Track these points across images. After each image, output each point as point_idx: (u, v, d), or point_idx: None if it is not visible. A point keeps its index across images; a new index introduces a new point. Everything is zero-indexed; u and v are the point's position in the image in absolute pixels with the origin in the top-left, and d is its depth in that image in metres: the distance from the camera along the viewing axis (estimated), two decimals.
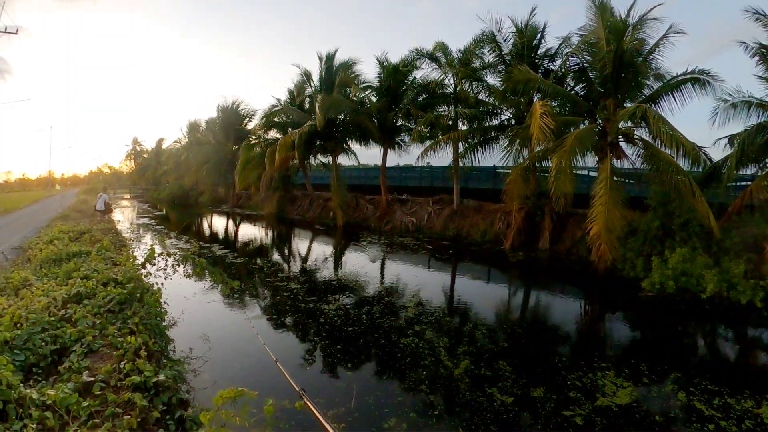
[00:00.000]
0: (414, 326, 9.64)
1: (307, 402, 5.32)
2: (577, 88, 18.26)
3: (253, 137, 35.27)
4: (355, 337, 9.10)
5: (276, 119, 32.06)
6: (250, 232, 28.51)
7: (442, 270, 17.02)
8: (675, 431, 5.94)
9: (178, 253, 9.47)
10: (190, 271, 11.03)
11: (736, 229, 13.08)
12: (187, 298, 11.27)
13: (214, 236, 25.50)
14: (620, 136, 15.54)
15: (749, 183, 14.05)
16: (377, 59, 26.54)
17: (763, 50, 13.47)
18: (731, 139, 13.85)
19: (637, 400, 6.68)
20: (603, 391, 6.87)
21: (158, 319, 7.30)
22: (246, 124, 41.75)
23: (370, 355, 8.41)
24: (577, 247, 17.15)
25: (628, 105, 15.08)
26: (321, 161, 33.29)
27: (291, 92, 32.31)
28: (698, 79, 14.79)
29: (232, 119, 41.51)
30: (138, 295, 7.39)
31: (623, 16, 15.51)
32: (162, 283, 8.96)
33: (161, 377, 4.73)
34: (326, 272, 15.89)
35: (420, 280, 14.45)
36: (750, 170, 14.33)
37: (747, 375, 8.14)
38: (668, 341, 9.71)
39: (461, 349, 8.44)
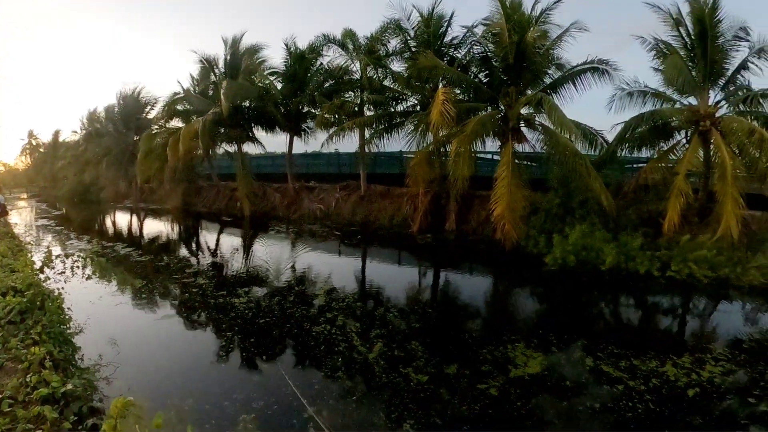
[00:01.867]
0: (326, 314, 9.41)
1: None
2: (481, 76, 18.54)
3: (155, 126, 32.80)
4: (267, 329, 8.78)
5: (179, 107, 29.93)
6: (155, 227, 26.45)
7: (352, 255, 16.72)
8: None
9: (76, 254, 8.63)
10: (90, 272, 10.34)
11: (632, 206, 14.03)
12: (92, 302, 10.30)
13: (117, 234, 23.38)
14: (522, 122, 16.00)
15: (644, 165, 15.16)
16: (285, 44, 25.44)
17: (659, 44, 14.47)
18: (627, 124, 14.78)
19: (548, 368, 6.77)
20: (515, 363, 6.91)
21: (62, 326, 6.99)
22: (148, 112, 38.35)
23: (284, 346, 8.15)
24: (482, 227, 17.54)
25: (531, 92, 15.57)
26: (226, 150, 31.59)
27: (194, 78, 30.31)
28: (597, 69, 15.59)
29: (132, 107, 38.02)
30: (39, 302, 7.05)
31: (528, 9, 16.05)
32: (63, 288, 8.68)
33: (69, 387, 4.58)
34: (235, 265, 15.10)
35: (330, 267, 14.10)
36: (645, 153, 15.40)
37: (650, 338, 8.60)
38: (573, 311, 10.13)
39: (374, 333, 8.31)
